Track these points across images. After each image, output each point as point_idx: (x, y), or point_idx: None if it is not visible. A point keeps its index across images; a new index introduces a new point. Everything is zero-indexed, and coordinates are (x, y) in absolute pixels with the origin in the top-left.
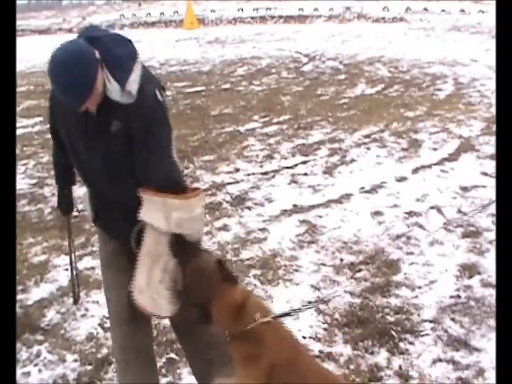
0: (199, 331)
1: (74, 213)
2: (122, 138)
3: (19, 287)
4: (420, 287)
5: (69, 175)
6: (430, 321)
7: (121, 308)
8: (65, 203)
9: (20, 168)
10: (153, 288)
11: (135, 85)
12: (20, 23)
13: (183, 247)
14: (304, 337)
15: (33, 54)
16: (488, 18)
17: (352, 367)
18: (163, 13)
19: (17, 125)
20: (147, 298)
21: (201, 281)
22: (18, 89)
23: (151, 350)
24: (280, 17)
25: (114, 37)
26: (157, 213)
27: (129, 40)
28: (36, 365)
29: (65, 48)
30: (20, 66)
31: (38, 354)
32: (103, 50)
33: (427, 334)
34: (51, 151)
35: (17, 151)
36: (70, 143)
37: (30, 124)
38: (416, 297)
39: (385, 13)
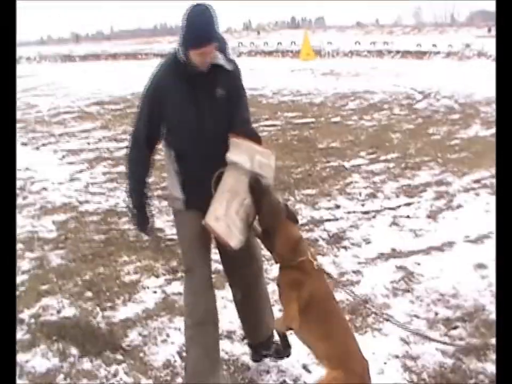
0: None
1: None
2: (223, 102)
3: (108, 304)
4: None
5: (145, 186)
6: None
7: (208, 278)
8: (143, 219)
9: (125, 187)
10: (229, 218)
11: (232, 56)
12: (144, 47)
13: (260, 186)
14: None
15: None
16: None
17: None
18: (280, 43)
19: (121, 145)
20: (223, 225)
21: (273, 213)
22: (134, 110)
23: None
24: (398, 52)
25: None
26: (243, 155)
27: None
28: None
29: (200, 6)
30: (139, 88)
31: (115, 374)
32: None
33: None
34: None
35: (125, 169)
36: (181, 116)
37: None
38: None
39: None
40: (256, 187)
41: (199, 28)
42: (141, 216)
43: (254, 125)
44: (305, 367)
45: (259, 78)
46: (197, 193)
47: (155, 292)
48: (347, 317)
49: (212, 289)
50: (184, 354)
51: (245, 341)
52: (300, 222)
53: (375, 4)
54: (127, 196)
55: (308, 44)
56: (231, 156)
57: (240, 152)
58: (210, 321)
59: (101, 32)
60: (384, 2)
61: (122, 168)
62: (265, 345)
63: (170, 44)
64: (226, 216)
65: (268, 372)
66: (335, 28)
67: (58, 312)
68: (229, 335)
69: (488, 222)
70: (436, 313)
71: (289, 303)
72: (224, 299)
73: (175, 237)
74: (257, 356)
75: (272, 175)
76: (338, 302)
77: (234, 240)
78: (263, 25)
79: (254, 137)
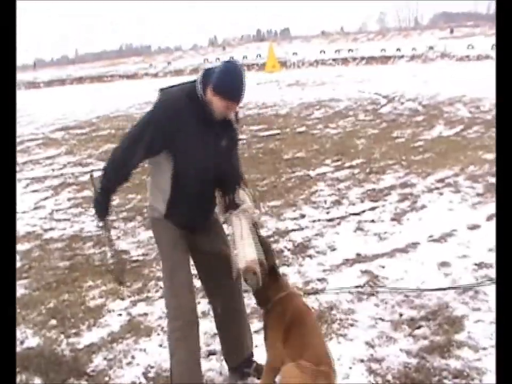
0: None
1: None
2: (225, 151)
3: (72, 331)
4: (484, 349)
5: (119, 185)
6: None
7: (190, 280)
8: (106, 209)
9: (90, 211)
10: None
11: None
12: (110, 69)
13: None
14: None
15: (117, 98)
16: None
17: None
18: (246, 56)
19: (94, 167)
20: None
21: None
22: (100, 133)
23: None
24: (362, 58)
25: None
26: (250, 203)
27: None
28: None
29: (238, 65)
30: (104, 110)
31: None
32: None
33: None
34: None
35: (90, 194)
36: (189, 149)
37: None
38: (479, 360)
39: (470, 51)
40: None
41: (238, 85)
42: (104, 204)
43: None
44: None
45: None
46: (181, 213)
47: (120, 315)
48: None
49: (193, 291)
50: (149, 374)
51: (223, 362)
52: (265, 234)
53: (339, 12)
54: (99, 182)
55: (273, 56)
56: (246, 202)
57: (249, 201)
58: (194, 323)
59: (65, 57)
60: (348, 10)
61: (87, 193)
62: (246, 363)
63: (136, 65)
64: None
65: None
66: (300, 38)
67: (22, 343)
68: None
69: (451, 220)
70: (401, 315)
71: (274, 344)
72: None
73: (140, 258)
74: (237, 375)
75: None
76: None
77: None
78: (228, 40)
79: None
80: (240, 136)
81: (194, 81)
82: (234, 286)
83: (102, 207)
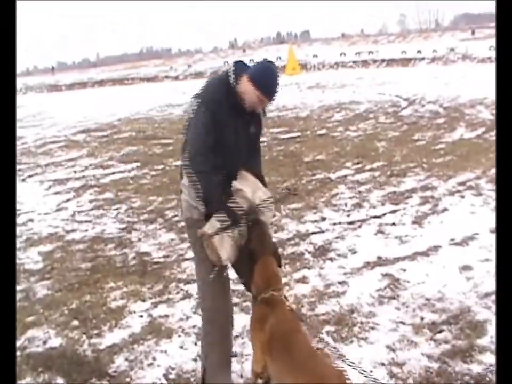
0: None
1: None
2: (254, 138)
3: (94, 331)
4: None
5: (221, 182)
6: None
7: (227, 283)
8: (231, 211)
9: (111, 213)
10: (224, 233)
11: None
12: (131, 71)
13: (256, 215)
14: None
15: (138, 101)
16: None
17: None
18: (266, 59)
19: (115, 170)
20: (217, 238)
21: (262, 241)
22: (121, 135)
23: None
24: (383, 60)
25: None
26: (248, 186)
27: None
28: None
29: (275, 65)
30: (125, 113)
31: None
32: None
33: None
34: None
35: (112, 196)
36: (222, 135)
37: (127, 169)
38: None
39: (492, 52)
40: (252, 215)
41: (274, 82)
42: (229, 212)
43: None
44: None
45: None
46: None
47: (141, 316)
48: (333, 328)
49: (230, 295)
50: (170, 376)
51: (243, 364)
52: (286, 236)
53: (359, 14)
54: (208, 205)
55: (293, 58)
56: (237, 183)
57: (246, 183)
58: (229, 326)
59: (87, 60)
60: (368, 12)
61: (108, 195)
62: None
63: (156, 67)
64: (222, 231)
65: None
66: (320, 41)
67: (45, 343)
68: None
69: (473, 223)
70: (422, 318)
71: (254, 346)
72: None
73: (161, 260)
74: None
75: (270, 215)
76: (305, 333)
77: (225, 254)
78: (249, 42)
79: (263, 182)
80: (261, 139)
81: (227, 72)
82: None
83: (229, 213)
